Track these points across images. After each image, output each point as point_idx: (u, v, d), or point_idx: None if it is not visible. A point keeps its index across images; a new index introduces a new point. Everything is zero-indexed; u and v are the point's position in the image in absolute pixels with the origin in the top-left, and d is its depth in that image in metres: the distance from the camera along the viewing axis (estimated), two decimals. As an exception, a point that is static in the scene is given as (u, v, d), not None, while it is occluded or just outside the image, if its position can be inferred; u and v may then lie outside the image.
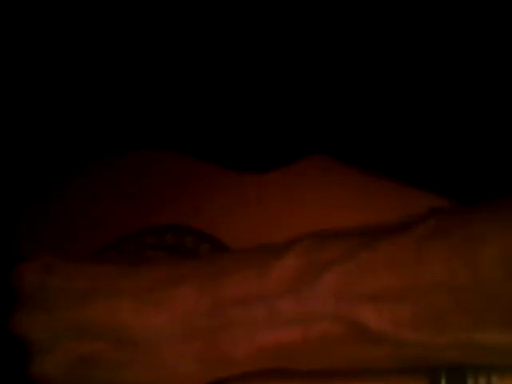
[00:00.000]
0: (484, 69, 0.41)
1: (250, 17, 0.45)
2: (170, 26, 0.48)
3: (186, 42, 0.48)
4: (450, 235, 0.33)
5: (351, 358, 0.34)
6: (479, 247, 0.32)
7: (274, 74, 0.47)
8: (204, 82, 0.48)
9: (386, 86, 0.44)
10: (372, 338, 0.33)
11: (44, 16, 0.49)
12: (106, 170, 0.50)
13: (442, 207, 0.38)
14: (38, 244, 0.47)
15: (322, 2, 0.43)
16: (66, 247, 0.47)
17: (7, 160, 0.52)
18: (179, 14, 0.47)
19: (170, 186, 0.48)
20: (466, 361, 0.35)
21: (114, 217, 0.48)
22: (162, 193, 0.48)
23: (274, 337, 0.34)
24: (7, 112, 0.52)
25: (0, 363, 0.36)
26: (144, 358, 0.33)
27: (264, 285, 0.34)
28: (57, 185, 0.50)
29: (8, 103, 0.52)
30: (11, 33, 0.50)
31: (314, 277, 0.34)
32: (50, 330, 0.34)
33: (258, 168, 0.47)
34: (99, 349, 0.33)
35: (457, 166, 0.43)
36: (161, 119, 0.51)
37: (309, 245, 0.35)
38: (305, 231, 0.37)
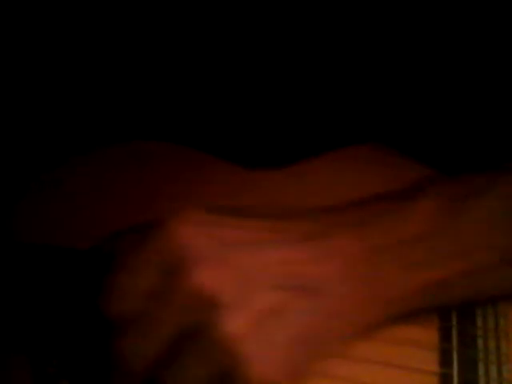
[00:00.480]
0: None
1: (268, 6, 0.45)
2: (174, 20, 0.48)
3: (200, 34, 0.48)
4: None
5: (502, 285, 0.37)
6: None
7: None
8: (223, 72, 0.48)
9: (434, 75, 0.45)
10: None
11: (38, 10, 0.49)
12: (106, 158, 0.50)
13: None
14: (31, 233, 0.46)
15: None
16: (60, 237, 0.46)
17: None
18: (182, 7, 0.47)
19: (172, 178, 0.48)
20: None
21: (112, 207, 0.47)
22: (165, 185, 0.48)
23: (433, 274, 0.35)
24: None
25: None
26: (324, 305, 0.33)
27: (412, 227, 0.35)
28: (50, 174, 0.49)
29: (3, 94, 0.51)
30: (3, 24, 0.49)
31: (460, 212, 0.36)
32: (235, 283, 0.31)
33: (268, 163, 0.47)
34: (284, 298, 0.32)
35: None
36: (178, 109, 0.50)
37: (439, 186, 0.37)
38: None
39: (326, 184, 0.46)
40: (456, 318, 0.39)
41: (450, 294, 0.36)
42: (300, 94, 0.49)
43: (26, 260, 0.45)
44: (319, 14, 0.45)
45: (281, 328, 0.32)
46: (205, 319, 0.30)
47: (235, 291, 0.31)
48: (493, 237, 0.36)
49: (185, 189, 0.47)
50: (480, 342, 0.38)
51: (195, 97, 0.50)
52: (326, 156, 0.47)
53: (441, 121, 0.47)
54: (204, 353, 0.31)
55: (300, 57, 0.47)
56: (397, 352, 0.38)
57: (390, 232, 0.35)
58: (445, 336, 0.38)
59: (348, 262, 0.34)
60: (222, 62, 0.49)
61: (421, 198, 0.36)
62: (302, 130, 0.49)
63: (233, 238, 0.33)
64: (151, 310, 0.31)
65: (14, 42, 0.50)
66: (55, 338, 0.41)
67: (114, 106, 0.52)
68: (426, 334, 0.38)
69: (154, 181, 0.48)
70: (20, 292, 0.43)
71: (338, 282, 0.33)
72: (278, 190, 0.46)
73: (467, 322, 0.39)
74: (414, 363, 0.37)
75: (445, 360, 0.37)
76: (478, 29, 0.44)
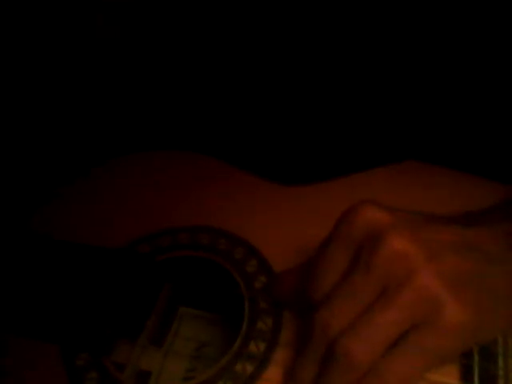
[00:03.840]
0: None
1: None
2: (185, 28, 0.50)
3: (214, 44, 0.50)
4: None
5: None
6: None
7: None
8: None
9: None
10: None
11: (47, 17, 0.51)
12: (129, 167, 0.52)
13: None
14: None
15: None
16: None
17: (22, 160, 0.53)
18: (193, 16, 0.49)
19: (190, 185, 0.50)
20: None
21: (133, 215, 0.49)
22: (183, 192, 0.50)
23: None
24: (19, 114, 0.54)
25: None
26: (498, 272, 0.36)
27: None
28: (75, 182, 0.52)
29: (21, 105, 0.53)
30: (14, 35, 0.52)
31: None
32: (427, 247, 0.35)
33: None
34: (468, 262, 0.35)
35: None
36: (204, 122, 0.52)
37: None
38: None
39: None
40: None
41: None
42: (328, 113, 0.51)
43: (60, 255, 0.46)
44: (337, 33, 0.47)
45: (471, 285, 0.35)
46: (404, 275, 0.34)
47: (428, 252, 0.34)
48: None
49: (206, 198, 0.49)
50: (500, 359, 0.39)
51: (222, 110, 0.53)
52: (350, 177, 0.49)
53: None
54: (406, 303, 0.34)
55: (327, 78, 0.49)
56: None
57: None
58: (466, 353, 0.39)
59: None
60: (252, 82, 0.51)
61: None
62: (331, 149, 0.51)
63: (412, 218, 0.37)
64: (351, 280, 0.35)
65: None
66: (86, 331, 0.42)
67: (135, 117, 0.54)
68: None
69: (175, 189, 0.50)
70: (57, 284, 0.45)
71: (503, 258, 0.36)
72: (302, 205, 0.48)
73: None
74: (435, 376, 0.38)
75: (466, 374, 0.38)
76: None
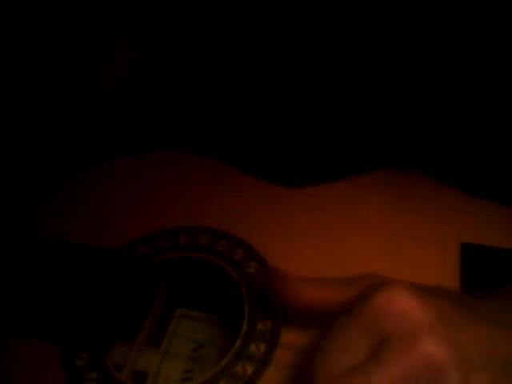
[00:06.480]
0: None
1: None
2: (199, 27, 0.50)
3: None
4: None
5: None
6: None
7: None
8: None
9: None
10: None
11: (50, 16, 0.52)
12: (124, 167, 0.52)
13: None
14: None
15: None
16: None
17: (21, 159, 0.53)
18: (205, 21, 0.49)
19: (190, 186, 0.50)
20: None
21: (129, 215, 0.49)
22: (183, 193, 0.50)
23: None
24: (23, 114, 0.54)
25: None
26: None
27: None
28: (77, 181, 0.52)
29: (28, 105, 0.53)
30: (16, 36, 0.52)
31: None
32: (457, 359, 0.32)
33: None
34: (494, 378, 0.32)
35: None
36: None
37: None
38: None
39: (348, 208, 0.48)
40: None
41: None
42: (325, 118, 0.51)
43: (58, 255, 0.46)
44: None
45: None
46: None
47: (457, 368, 0.31)
48: None
49: (206, 199, 0.50)
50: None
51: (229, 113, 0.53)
52: (350, 179, 0.49)
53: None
54: None
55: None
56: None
57: None
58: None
59: None
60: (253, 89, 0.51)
61: None
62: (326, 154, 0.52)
63: (447, 314, 0.33)
64: (366, 370, 0.32)
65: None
66: (84, 331, 0.42)
67: (136, 117, 0.54)
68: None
69: (175, 190, 0.50)
70: (58, 284, 0.45)
71: None
72: (300, 207, 0.48)
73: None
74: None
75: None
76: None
